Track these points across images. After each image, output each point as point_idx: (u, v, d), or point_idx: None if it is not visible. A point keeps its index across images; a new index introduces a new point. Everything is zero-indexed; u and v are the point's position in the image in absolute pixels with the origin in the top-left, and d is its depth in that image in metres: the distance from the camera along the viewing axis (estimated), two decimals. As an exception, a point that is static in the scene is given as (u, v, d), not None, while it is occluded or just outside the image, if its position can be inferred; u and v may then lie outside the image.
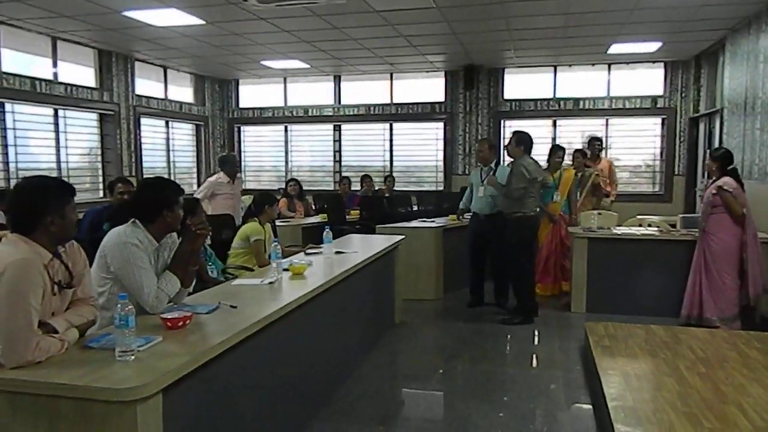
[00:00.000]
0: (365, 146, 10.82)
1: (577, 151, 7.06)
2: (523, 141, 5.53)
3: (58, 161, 7.88)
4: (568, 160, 6.88)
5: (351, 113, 10.66)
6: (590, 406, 3.68)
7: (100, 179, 8.62)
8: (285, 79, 10.85)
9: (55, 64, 7.68)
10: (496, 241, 5.77)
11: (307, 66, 9.52)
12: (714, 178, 5.18)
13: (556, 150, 6.68)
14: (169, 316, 2.48)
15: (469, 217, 6.22)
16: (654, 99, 9.41)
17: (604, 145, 7.90)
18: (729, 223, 5.03)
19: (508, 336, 5.30)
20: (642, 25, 6.90)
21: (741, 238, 5.02)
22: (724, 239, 5.07)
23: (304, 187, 8.43)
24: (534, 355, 4.99)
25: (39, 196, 2.22)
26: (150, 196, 2.83)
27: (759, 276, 5.04)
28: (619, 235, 5.96)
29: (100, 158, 8.64)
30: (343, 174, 10.28)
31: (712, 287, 5.14)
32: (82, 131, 8.36)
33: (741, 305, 5.10)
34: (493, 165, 5.93)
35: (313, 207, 8.37)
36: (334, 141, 10.87)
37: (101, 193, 8.47)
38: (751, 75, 6.49)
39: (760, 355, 3.96)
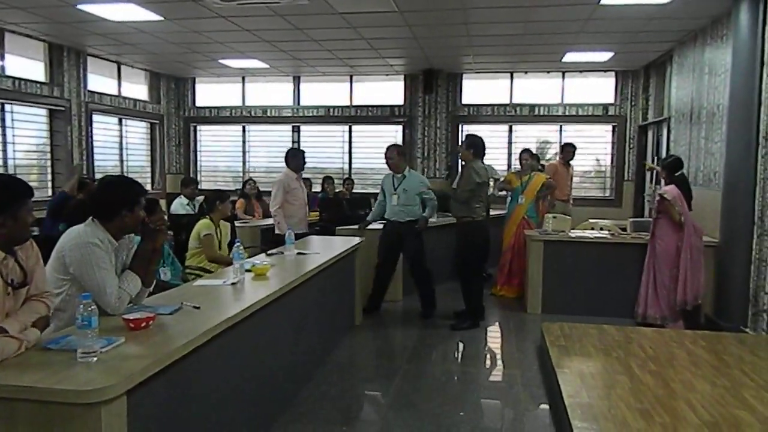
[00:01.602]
0: (324, 148, 10.78)
1: (524, 151, 7.00)
2: (474, 144, 5.50)
3: (5, 157, 7.56)
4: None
5: (310, 114, 10.62)
6: (547, 404, 3.78)
7: (49, 177, 8.33)
8: (243, 79, 10.72)
9: (2, 57, 7.37)
10: (410, 247, 5.81)
11: (267, 66, 9.43)
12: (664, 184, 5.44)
13: (521, 153, 6.85)
14: (131, 317, 2.43)
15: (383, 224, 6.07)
16: (605, 107, 9.73)
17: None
18: (671, 228, 5.29)
19: (468, 337, 5.38)
20: (595, 35, 7.14)
21: (677, 244, 5.27)
22: (666, 242, 5.33)
23: (261, 189, 8.33)
24: (492, 355, 5.09)
25: None
26: (111, 194, 2.75)
27: (696, 282, 5.26)
28: (572, 238, 6.14)
29: (49, 155, 8.34)
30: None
31: (656, 287, 5.40)
32: (30, 127, 8.06)
33: (679, 308, 5.33)
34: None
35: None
36: (293, 142, 10.78)
37: (49, 192, 8.18)
38: (696, 86, 6.80)
39: (705, 353, 4.15)
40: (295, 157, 6.13)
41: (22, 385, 1.84)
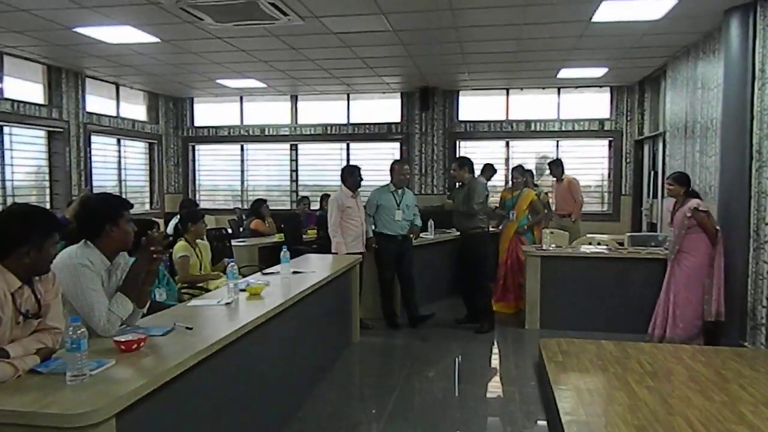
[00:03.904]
0: (322, 166, 10.82)
1: (514, 168, 6.98)
2: (466, 163, 5.97)
3: (3, 179, 7.59)
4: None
5: (308, 133, 10.67)
6: (545, 421, 3.75)
7: (48, 198, 8.35)
8: (241, 98, 10.79)
9: (1, 80, 7.44)
10: (410, 258, 6.09)
11: (264, 85, 9.50)
12: (676, 199, 5.24)
13: (512, 170, 6.94)
14: (122, 339, 2.43)
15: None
16: (601, 122, 9.78)
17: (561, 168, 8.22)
18: (705, 241, 5.09)
19: (465, 353, 5.36)
20: (589, 51, 7.19)
21: (711, 256, 5.09)
22: (698, 257, 5.10)
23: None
24: (490, 372, 5.06)
25: (22, 224, 2.17)
26: (90, 211, 2.74)
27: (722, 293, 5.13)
28: (570, 253, 6.14)
29: (47, 177, 8.37)
30: (300, 193, 10.27)
31: (678, 307, 5.14)
32: (29, 149, 8.11)
33: (704, 321, 5.11)
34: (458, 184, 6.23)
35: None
36: (291, 160, 10.84)
37: (48, 213, 8.19)
38: (690, 100, 6.84)
39: (703, 368, 4.12)
40: (351, 175, 6.05)
41: (9, 410, 1.83)
